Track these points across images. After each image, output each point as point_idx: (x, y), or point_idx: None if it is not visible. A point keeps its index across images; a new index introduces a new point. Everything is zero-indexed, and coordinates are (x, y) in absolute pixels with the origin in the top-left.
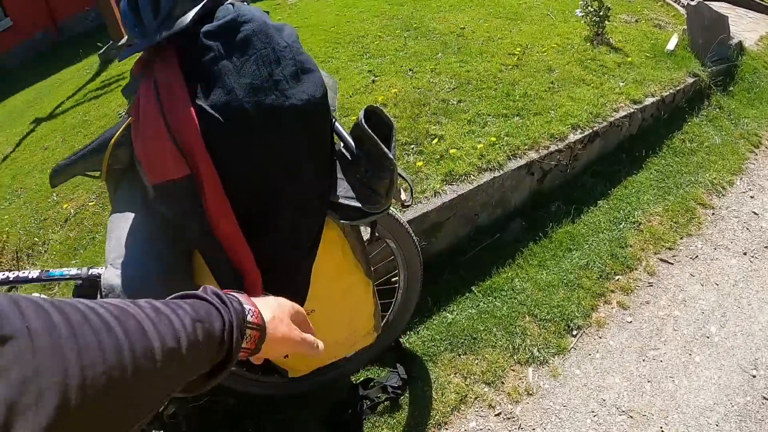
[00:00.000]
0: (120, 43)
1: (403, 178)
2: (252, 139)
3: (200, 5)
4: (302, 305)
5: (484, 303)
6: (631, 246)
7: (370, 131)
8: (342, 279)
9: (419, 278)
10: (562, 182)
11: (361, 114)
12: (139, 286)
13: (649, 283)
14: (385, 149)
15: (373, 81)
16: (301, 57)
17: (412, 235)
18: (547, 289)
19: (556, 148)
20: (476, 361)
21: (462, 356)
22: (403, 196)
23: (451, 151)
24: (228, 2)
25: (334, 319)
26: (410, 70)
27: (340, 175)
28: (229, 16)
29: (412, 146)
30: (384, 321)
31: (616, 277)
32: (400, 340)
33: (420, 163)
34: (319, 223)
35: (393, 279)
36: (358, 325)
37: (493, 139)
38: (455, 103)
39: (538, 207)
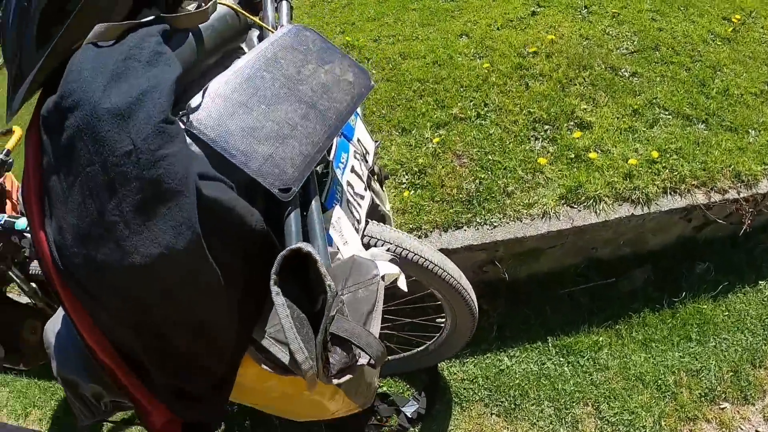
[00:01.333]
0: None
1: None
2: (96, 302)
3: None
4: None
5: (552, 363)
6: (766, 369)
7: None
8: (300, 390)
9: (470, 330)
10: (724, 240)
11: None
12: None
13: None
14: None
15: (533, 13)
16: (160, 170)
17: (467, 293)
18: (633, 381)
19: (737, 196)
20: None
21: (494, 416)
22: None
23: (592, 154)
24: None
25: (291, 408)
26: (585, 7)
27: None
28: (52, 99)
29: (545, 128)
30: (423, 347)
31: (723, 405)
32: (439, 365)
33: (543, 160)
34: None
35: (438, 320)
36: (332, 409)
37: (655, 154)
38: (627, 75)
39: (680, 259)
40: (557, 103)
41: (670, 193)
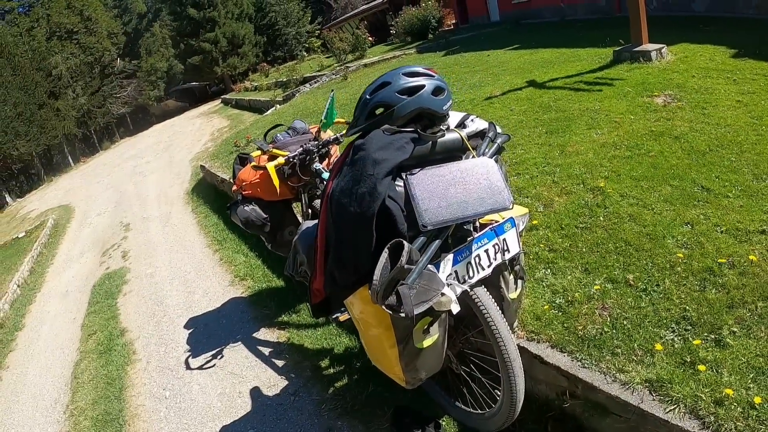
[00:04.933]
0: (635, 49)
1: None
2: (334, 216)
3: (361, 127)
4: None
5: None
6: None
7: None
8: (374, 325)
9: (504, 419)
10: None
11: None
12: None
13: None
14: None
15: (762, 232)
16: (375, 186)
17: (515, 383)
18: None
19: None
20: None
21: None
22: (513, 295)
23: (701, 366)
24: (470, 117)
25: (368, 341)
26: None
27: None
28: (359, 143)
29: (687, 328)
30: (469, 407)
31: None
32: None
33: (659, 347)
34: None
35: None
36: (385, 362)
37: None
38: None
39: None
40: (714, 315)
41: None
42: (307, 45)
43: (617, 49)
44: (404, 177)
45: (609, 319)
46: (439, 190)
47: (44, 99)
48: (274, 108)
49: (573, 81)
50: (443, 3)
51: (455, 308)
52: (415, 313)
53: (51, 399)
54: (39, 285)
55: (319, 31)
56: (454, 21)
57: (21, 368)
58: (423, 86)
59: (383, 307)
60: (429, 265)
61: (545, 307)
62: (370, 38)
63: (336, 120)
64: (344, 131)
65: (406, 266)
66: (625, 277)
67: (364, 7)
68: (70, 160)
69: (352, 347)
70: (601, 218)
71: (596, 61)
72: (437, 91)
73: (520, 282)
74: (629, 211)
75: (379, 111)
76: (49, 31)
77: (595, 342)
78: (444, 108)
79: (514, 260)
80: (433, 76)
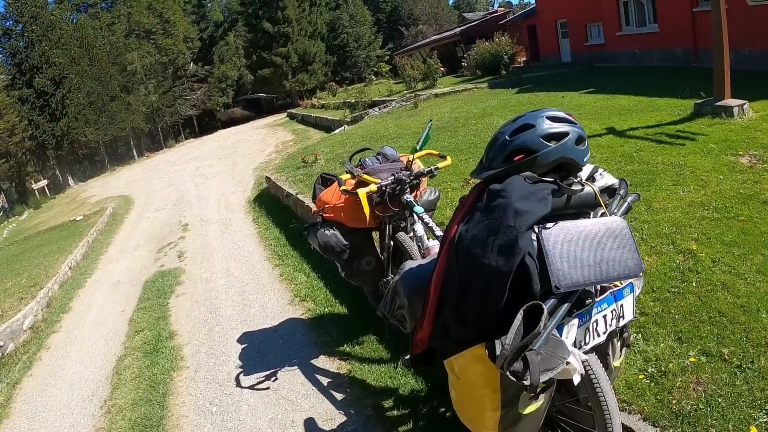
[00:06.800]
0: (717, 103)
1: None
2: (461, 265)
3: (497, 170)
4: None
5: None
6: None
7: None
8: (480, 386)
9: None
10: None
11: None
12: None
13: None
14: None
15: None
16: (516, 240)
17: None
18: None
19: None
20: None
21: None
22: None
23: None
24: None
25: (465, 399)
26: None
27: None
28: (497, 188)
29: None
30: None
31: None
32: None
33: (754, 430)
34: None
35: None
36: (479, 423)
37: None
38: None
39: None
40: None
41: None
42: (376, 69)
43: (698, 102)
44: (538, 230)
45: (704, 395)
46: (575, 249)
47: (117, 92)
48: (342, 128)
49: (653, 132)
50: (516, 40)
51: (577, 378)
52: (541, 381)
53: (89, 390)
54: (91, 271)
55: (388, 57)
56: (525, 58)
57: (62, 351)
58: (568, 133)
59: (507, 373)
60: (554, 330)
61: (639, 376)
62: (441, 68)
63: (426, 150)
64: (441, 164)
65: (540, 330)
66: (719, 350)
67: (436, 37)
68: (135, 153)
69: (418, 390)
70: (694, 284)
71: (676, 113)
72: (580, 140)
73: (624, 350)
74: (722, 279)
75: (518, 155)
76: (128, 28)
77: (689, 419)
78: (585, 159)
79: (624, 327)
80: (576, 124)
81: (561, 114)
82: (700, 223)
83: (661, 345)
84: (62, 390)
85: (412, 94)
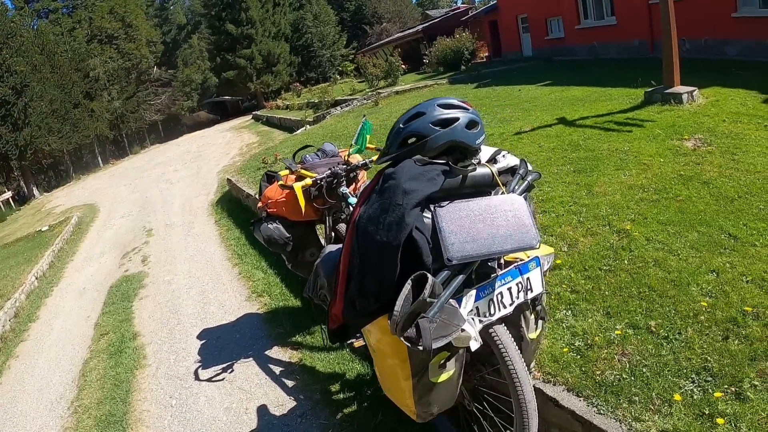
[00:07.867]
0: (666, 91)
1: None
2: (359, 243)
3: (391, 156)
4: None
5: None
6: None
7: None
8: (390, 356)
9: None
10: None
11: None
12: None
13: None
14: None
15: None
16: (403, 216)
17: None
18: None
19: None
20: None
21: None
22: (532, 335)
23: (719, 420)
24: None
25: (383, 371)
26: None
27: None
28: (389, 171)
29: (708, 379)
30: None
31: None
32: None
33: (678, 397)
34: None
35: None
36: (398, 394)
37: None
38: None
39: None
40: (735, 367)
41: None
42: (340, 68)
43: (649, 90)
44: (432, 209)
45: (628, 365)
46: (466, 225)
47: (80, 99)
48: (304, 128)
49: (603, 120)
50: (477, 36)
51: (474, 345)
52: (434, 347)
53: (56, 394)
54: (57, 279)
55: (353, 56)
56: (487, 54)
57: (30, 359)
58: (457, 119)
59: (402, 338)
60: (451, 300)
61: (564, 349)
62: (403, 65)
63: (368, 146)
64: (374, 157)
65: (428, 299)
66: (647, 323)
67: (399, 34)
68: (100, 161)
69: (364, 374)
70: (626, 262)
71: (627, 102)
72: (471, 124)
73: (540, 322)
74: (654, 256)
75: (411, 141)
76: (90, 33)
77: (612, 388)
78: (477, 142)
79: (536, 300)
80: (468, 110)
81: (453, 101)
82: (638, 204)
83: (589, 320)
84: (31, 395)
85: (374, 93)
